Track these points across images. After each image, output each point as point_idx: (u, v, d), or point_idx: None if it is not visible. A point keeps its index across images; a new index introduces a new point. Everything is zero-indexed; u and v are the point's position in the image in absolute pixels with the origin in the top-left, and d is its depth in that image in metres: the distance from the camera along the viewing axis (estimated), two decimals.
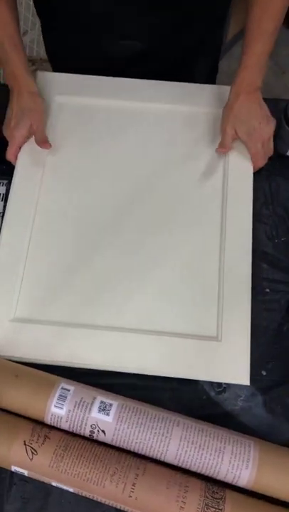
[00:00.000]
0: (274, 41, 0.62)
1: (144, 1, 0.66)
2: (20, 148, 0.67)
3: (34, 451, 0.46)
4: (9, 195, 0.64)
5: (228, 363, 0.55)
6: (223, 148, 0.66)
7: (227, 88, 0.67)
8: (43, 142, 0.66)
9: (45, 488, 0.50)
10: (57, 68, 0.84)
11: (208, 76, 0.88)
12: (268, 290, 0.61)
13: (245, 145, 0.66)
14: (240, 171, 0.66)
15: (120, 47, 0.74)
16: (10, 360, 0.54)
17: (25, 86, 0.66)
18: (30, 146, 0.67)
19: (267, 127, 0.64)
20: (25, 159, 0.67)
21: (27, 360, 0.55)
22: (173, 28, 0.72)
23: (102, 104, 0.71)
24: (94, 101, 0.71)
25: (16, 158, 0.67)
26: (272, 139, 0.65)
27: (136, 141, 0.69)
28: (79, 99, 0.67)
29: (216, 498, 0.45)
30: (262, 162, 0.66)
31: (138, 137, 0.69)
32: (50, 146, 0.66)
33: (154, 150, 0.68)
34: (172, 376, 0.55)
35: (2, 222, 0.64)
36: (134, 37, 0.73)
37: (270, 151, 0.66)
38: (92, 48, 0.75)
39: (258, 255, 0.63)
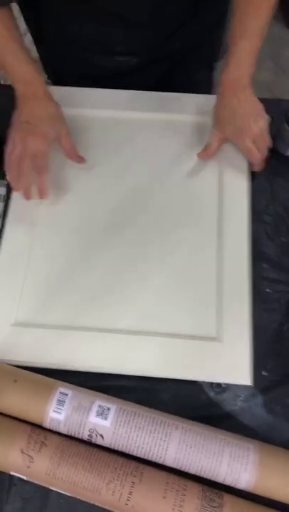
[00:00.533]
0: (260, 39, 0.61)
1: (133, 18, 0.66)
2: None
3: (31, 459, 0.46)
4: (10, 202, 0.65)
5: (229, 363, 0.55)
6: (203, 152, 0.65)
7: None
8: (75, 154, 0.65)
9: (45, 489, 0.50)
10: (49, 77, 0.84)
11: (205, 85, 0.87)
12: (268, 290, 0.61)
13: (235, 144, 0.65)
14: (235, 172, 0.66)
15: (116, 63, 0.74)
16: (11, 364, 0.54)
17: (41, 88, 0.62)
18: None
19: (255, 124, 0.62)
20: None
21: (28, 364, 0.55)
22: (167, 39, 0.72)
23: (97, 115, 0.72)
24: (89, 112, 0.72)
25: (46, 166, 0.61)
26: (266, 134, 0.63)
27: (132, 149, 0.70)
28: (74, 111, 0.68)
29: (213, 507, 0.44)
30: (257, 157, 0.64)
31: (134, 145, 0.70)
32: (84, 160, 0.65)
33: (151, 156, 0.69)
34: (173, 378, 0.55)
35: (2, 222, 0.64)
36: (129, 53, 0.73)
37: (264, 145, 0.64)
38: (86, 65, 0.75)
39: (258, 255, 0.62)
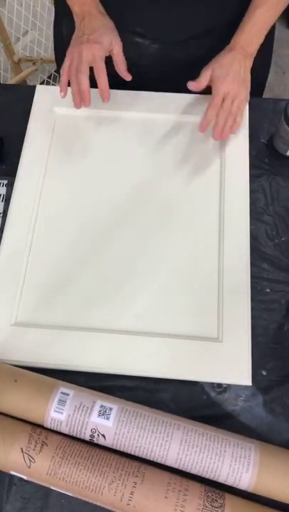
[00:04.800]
0: (277, 13, 0.63)
1: None
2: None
3: (32, 459, 0.46)
4: (10, 203, 0.65)
5: (230, 363, 0.55)
6: (194, 83, 0.64)
7: None
8: (124, 68, 0.65)
9: (45, 488, 0.50)
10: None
11: None
12: (268, 290, 0.61)
13: (212, 90, 0.64)
14: (236, 172, 0.66)
15: (132, 45, 0.73)
16: (11, 364, 0.54)
17: (97, 8, 0.65)
18: (32, 153, 0.68)
19: (238, 87, 0.63)
20: (27, 167, 0.67)
21: (28, 364, 0.55)
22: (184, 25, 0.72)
23: (102, 115, 0.72)
24: (93, 112, 0.72)
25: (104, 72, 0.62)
26: (240, 105, 0.64)
27: (133, 150, 0.69)
28: (78, 111, 0.68)
29: (215, 507, 0.44)
30: (211, 116, 0.64)
31: (135, 145, 0.70)
32: (131, 77, 0.66)
33: (151, 156, 0.69)
34: (174, 378, 0.55)
35: (1, 222, 0.64)
36: (149, 35, 0.73)
37: (230, 110, 0.64)
38: None
39: (258, 255, 0.63)
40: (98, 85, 0.63)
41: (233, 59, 0.63)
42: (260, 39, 0.65)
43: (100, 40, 0.62)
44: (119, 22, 0.70)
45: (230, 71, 0.63)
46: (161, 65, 0.75)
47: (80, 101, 0.63)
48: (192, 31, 0.72)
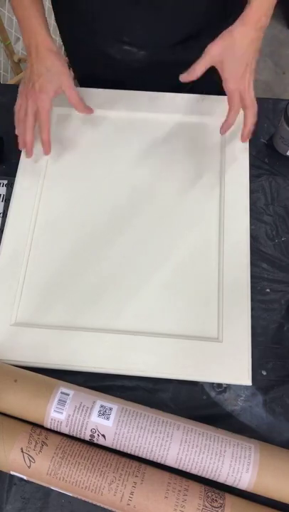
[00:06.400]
0: None
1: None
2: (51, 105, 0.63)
3: (32, 459, 0.46)
4: (10, 204, 0.65)
5: (230, 363, 0.55)
6: (188, 74, 0.60)
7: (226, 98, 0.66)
8: (82, 106, 0.65)
9: (45, 488, 0.50)
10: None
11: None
12: (268, 290, 0.61)
13: (227, 81, 0.60)
14: (237, 172, 0.66)
15: (123, 53, 0.74)
16: (11, 364, 0.54)
17: (43, 42, 0.62)
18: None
19: (251, 75, 0.61)
20: (26, 166, 0.67)
21: (28, 364, 0.55)
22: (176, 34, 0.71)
23: (101, 115, 0.72)
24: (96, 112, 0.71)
25: (49, 116, 0.63)
26: (250, 91, 0.61)
27: (133, 149, 0.69)
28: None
29: (214, 507, 0.44)
30: (234, 120, 0.62)
31: (136, 145, 0.70)
32: (93, 111, 0.66)
33: (151, 156, 0.69)
34: (174, 378, 0.55)
35: (1, 222, 0.64)
36: (137, 44, 0.73)
37: (250, 100, 0.61)
38: (96, 52, 0.75)
39: (258, 255, 0.63)
40: (41, 138, 0.64)
41: (250, 43, 0.59)
42: (269, 13, 0.60)
43: (45, 89, 0.62)
44: (106, 31, 0.70)
45: (242, 58, 0.59)
46: (152, 68, 0.75)
47: (22, 145, 0.66)
48: (178, 37, 0.72)
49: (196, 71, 0.60)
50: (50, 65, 0.62)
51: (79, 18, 0.71)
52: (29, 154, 0.66)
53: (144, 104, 0.72)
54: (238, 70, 0.59)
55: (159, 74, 0.73)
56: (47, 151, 0.65)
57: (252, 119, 0.62)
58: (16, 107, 0.65)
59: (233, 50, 0.59)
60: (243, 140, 0.65)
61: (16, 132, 0.65)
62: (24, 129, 0.64)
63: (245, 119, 0.63)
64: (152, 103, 0.72)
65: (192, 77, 0.60)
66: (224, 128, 0.64)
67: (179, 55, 0.72)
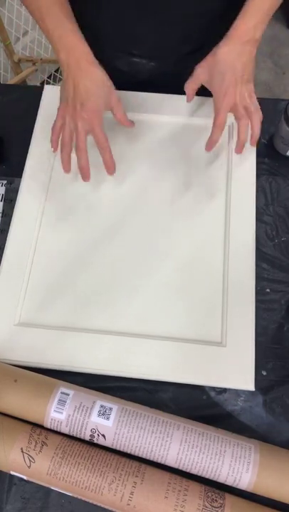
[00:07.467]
0: (276, 1, 0.59)
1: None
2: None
3: (32, 459, 0.46)
4: (16, 204, 0.65)
5: (233, 368, 0.54)
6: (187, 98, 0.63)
7: None
8: (127, 121, 0.62)
9: (46, 488, 0.50)
10: None
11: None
12: (268, 290, 0.61)
13: (214, 98, 0.61)
14: (243, 171, 0.66)
15: (130, 64, 0.74)
16: (12, 364, 0.54)
17: (85, 56, 0.57)
18: (38, 153, 0.68)
19: (244, 86, 0.60)
20: (33, 167, 0.67)
21: (29, 364, 0.55)
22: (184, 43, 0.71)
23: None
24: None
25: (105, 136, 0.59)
26: (251, 98, 0.61)
27: (138, 149, 0.69)
28: None
29: (214, 507, 0.44)
30: (218, 137, 0.61)
31: (140, 145, 0.69)
32: (134, 124, 0.64)
33: (157, 156, 0.69)
34: (176, 382, 0.55)
35: (1, 222, 0.64)
36: (144, 55, 0.73)
37: (254, 107, 0.61)
38: (101, 64, 0.75)
39: (258, 255, 0.62)
40: (104, 159, 0.61)
41: (237, 56, 0.58)
42: (262, 26, 0.59)
43: (97, 107, 0.57)
44: (115, 44, 0.70)
45: (232, 74, 0.59)
46: (157, 79, 0.75)
47: (68, 168, 0.62)
48: (187, 48, 0.72)
49: (188, 91, 0.64)
50: (97, 80, 0.58)
51: (86, 31, 0.71)
52: (87, 178, 0.61)
53: (151, 105, 0.72)
54: (226, 86, 0.59)
55: (162, 84, 0.73)
56: (112, 171, 0.62)
57: (259, 124, 0.63)
58: (56, 129, 0.61)
59: (218, 69, 0.59)
60: (252, 144, 0.65)
61: (60, 157, 0.61)
62: (74, 152, 0.60)
63: (251, 125, 0.63)
64: (158, 104, 0.72)
65: (189, 99, 0.65)
66: (209, 145, 0.62)
67: (188, 65, 0.73)
